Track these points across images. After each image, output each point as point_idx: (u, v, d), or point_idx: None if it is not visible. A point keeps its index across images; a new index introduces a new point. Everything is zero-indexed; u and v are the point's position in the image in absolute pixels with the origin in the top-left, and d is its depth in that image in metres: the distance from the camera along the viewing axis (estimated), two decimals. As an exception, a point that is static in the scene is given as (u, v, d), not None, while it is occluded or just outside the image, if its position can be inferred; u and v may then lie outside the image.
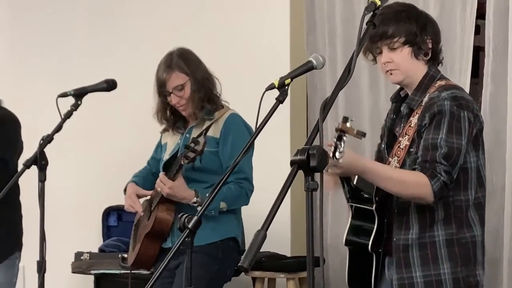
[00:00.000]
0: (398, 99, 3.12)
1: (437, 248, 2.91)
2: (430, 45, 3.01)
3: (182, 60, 3.77)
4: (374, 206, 2.95)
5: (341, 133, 2.66)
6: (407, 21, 2.97)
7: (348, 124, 2.67)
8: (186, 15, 5.42)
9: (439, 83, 2.98)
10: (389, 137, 3.09)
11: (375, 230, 2.96)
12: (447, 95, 2.89)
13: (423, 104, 2.94)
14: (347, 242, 3.06)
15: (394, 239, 2.96)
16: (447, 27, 4.40)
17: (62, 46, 5.72)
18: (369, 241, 2.96)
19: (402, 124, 3.03)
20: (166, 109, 3.86)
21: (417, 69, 3.00)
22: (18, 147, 3.96)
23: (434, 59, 3.04)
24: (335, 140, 2.65)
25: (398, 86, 3.15)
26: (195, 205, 3.60)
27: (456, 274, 2.91)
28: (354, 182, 2.99)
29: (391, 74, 3.01)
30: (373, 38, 2.95)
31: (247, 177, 3.74)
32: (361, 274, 3.03)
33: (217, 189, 2.50)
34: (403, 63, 2.98)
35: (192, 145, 3.48)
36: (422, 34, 2.98)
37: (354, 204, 3.03)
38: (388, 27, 2.95)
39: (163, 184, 3.62)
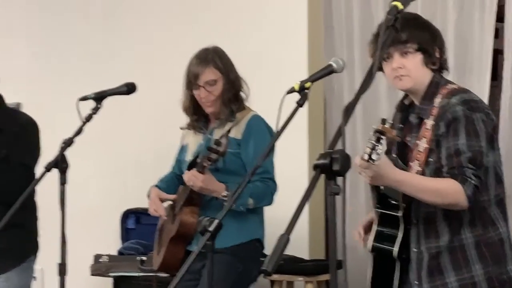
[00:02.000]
0: (403, 108, 3.13)
1: (466, 251, 2.93)
2: (438, 55, 3.04)
3: (218, 57, 3.79)
4: (400, 212, 2.96)
5: (379, 134, 2.63)
6: (419, 28, 3.01)
7: (386, 126, 2.67)
8: (204, 18, 5.42)
9: (444, 88, 2.99)
10: (400, 146, 3.09)
11: (401, 237, 2.97)
12: (457, 101, 2.90)
13: (433, 113, 2.95)
14: (373, 248, 3.07)
15: (423, 248, 2.98)
16: (466, 30, 4.40)
17: (80, 49, 5.74)
18: (394, 247, 2.97)
19: (413, 134, 3.03)
20: (191, 104, 3.86)
21: (424, 77, 3.01)
22: (37, 151, 3.98)
23: (440, 68, 3.06)
24: (372, 141, 2.63)
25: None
26: (225, 198, 3.59)
27: (488, 274, 2.93)
28: (382, 188, 2.98)
29: (400, 80, 3.00)
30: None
31: (271, 177, 3.76)
32: (384, 279, 3.04)
33: (244, 184, 2.51)
34: (414, 70, 2.99)
35: (215, 146, 3.49)
36: (433, 43, 3.02)
37: (380, 210, 3.04)
38: (401, 33, 2.93)
39: (195, 179, 3.61)
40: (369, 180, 2.84)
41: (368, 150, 2.62)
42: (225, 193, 3.62)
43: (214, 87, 3.77)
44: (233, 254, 3.66)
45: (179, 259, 3.79)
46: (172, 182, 3.97)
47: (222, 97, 3.77)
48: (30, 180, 3.77)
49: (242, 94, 3.86)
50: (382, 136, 2.63)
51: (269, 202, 3.79)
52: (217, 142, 3.50)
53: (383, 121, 2.69)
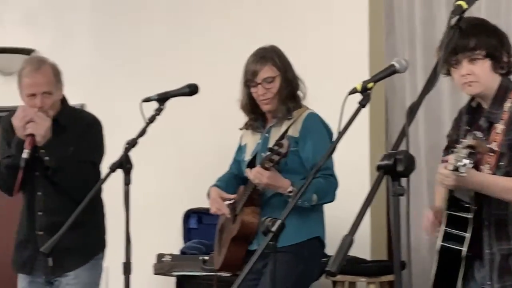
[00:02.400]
0: (470, 110, 3.15)
1: None
2: (506, 59, 3.05)
3: (276, 55, 3.82)
4: (471, 214, 3.00)
5: (471, 149, 2.70)
6: (487, 34, 3.04)
7: (479, 141, 2.71)
8: (264, 19, 5.43)
9: None
10: None
11: (469, 238, 3.00)
12: None
13: (504, 118, 2.98)
14: (442, 249, 3.07)
15: (495, 249, 3.01)
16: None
17: (144, 51, 5.79)
18: (463, 247, 3.01)
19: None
20: (249, 102, 3.88)
21: (493, 82, 3.05)
22: (103, 149, 4.05)
23: (508, 72, 3.08)
24: (462, 155, 2.68)
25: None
26: (290, 194, 3.60)
27: None
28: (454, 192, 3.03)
29: (469, 86, 3.04)
30: (453, 50, 2.97)
31: (333, 174, 3.76)
32: (447, 279, 3.05)
33: (309, 180, 2.52)
34: (483, 76, 3.02)
35: (276, 147, 3.50)
36: (501, 48, 3.04)
37: (451, 212, 3.06)
38: (469, 40, 2.99)
39: (261, 175, 3.62)
40: (450, 187, 2.90)
41: (456, 162, 2.67)
42: (290, 188, 3.63)
43: (272, 85, 3.79)
44: (295, 253, 3.66)
45: (240, 259, 3.82)
46: (230, 182, 4.00)
47: (279, 95, 3.78)
48: (97, 177, 3.86)
49: (299, 93, 3.86)
50: (473, 151, 2.68)
51: (332, 198, 3.79)
52: (279, 144, 3.50)
53: (474, 136, 2.73)
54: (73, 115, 4.06)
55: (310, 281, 3.83)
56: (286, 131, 3.68)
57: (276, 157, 3.50)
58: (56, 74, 3.96)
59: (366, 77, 2.73)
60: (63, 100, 4.02)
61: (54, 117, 3.93)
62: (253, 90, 3.82)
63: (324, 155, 2.57)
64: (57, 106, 3.96)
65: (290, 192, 3.62)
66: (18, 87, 3.95)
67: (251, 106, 3.88)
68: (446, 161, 2.85)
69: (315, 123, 3.79)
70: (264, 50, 3.84)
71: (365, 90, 2.63)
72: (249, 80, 3.81)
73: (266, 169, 3.60)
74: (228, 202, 3.90)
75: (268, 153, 3.54)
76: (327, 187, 3.71)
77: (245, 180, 3.89)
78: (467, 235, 3.00)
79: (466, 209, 3.01)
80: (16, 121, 3.85)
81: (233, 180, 4.00)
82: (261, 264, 3.67)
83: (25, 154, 3.79)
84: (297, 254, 3.68)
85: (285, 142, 3.48)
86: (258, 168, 3.65)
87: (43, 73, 3.90)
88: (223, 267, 3.89)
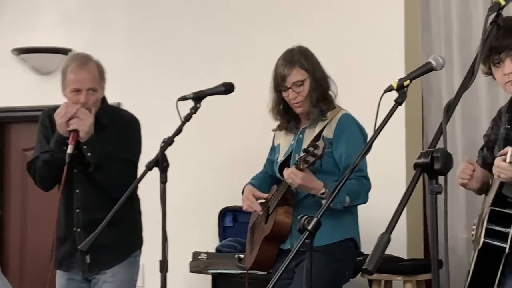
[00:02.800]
0: (511, 109, 3.16)
1: None
2: None
3: (304, 57, 3.80)
4: None
5: None
6: None
7: None
8: (299, 16, 5.43)
9: None
10: (506, 146, 3.07)
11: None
12: None
13: None
14: (484, 245, 3.06)
15: None
16: None
17: (179, 49, 5.82)
18: (506, 244, 3.01)
19: None
20: (280, 105, 3.89)
21: None
22: (140, 147, 4.09)
23: None
24: None
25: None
26: (323, 196, 3.59)
27: None
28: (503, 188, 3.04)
29: None
30: (496, 49, 2.96)
31: (365, 175, 3.74)
32: (485, 275, 3.03)
33: (342, 182, 2.51)
34: None
35: (311, 149, 3.49)
36: None
37: (494, 208, 3.06)
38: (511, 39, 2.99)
39: (294, 176, 3.62)
40: (507, 179, 2.91)
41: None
42: (323, 190, 3.62)
43: (302, 88, 3.78)
44: (327, 253, 3.64)
45: (272, 258, 3.82)
46: (264, 181, 4.00)
47: (310, 97, 3.77)
48: (135, 175, 3.88)
49: (330, 93, 3.85)
50: None
51: (364, 200, 3.77)
52: (314, 145, 3.49)
53: None
54: (112, 114, 4.09)
55: (342, 282, 3.82)
56: (321, 132, 3.66)
57: (311, 159, 3.48)
58: (100, 72, 3.99)
59: (402, 75, 2.72)
60: (103, 99, 4.05)
61: (94, 115, 3.96)
62: (284, 94, 3.82)
63: (357, 157, 2.56)
64: (98, 104, 4.00)
65: (323, 194, 3.61)
66: (61, 84, 3.97)
67: (284, 109, 3.88)
68: (502, 155, 2.86)
69: (349, 124, 3.78)
70: (291, 53, 3.82)
71: (401, 88, 2.61)
72: (279, 84, 3.81)
73: (301, 170, 3.60)
74: (260, 200, 3.90)
75: (303, 154, 3.53)
76: (359, 189, 3.69)
77: (277, 180, 3.89)
78: (510, 231, 2.99)
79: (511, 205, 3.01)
80: (59, 117, 3.88)
81: (268, 179, 4.01)
82: (294, 264, 3.67)
83: (69, 150, 3.83)
84: (330, 255, 3.67)
85: (320, 143, 3.46)
86: (292, 169, 3.65)
87: (88, 69, 3.93)
88: (255, 266, 3.89)
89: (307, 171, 3.62)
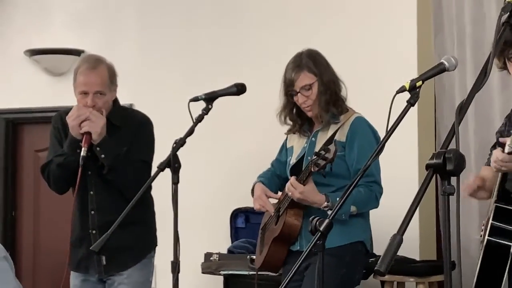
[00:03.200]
0: None
1: None
2: None
3: (311, 61, 3.79)
4: None
5: None
6: None
7: None
8: (311, 18, 5.43)
9: None
10: None
11: None
12: None
13: None
14: (488, 243, 3.04)
15: None
16: None
17: (189, 50, 5.82)
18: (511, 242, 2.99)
19: None
20: (292, 109, 3.88)
21: None
22: (153, 148, 4.08)
23: None
24: None
25: None
26: (326, 209, 3.59)
27: None
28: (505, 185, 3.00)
29: None
30: (511, 43, 2.93)
31: (376, 180, 3.71)
32: (492, 274, 3.01)
33: (347, 193, 2.50)
34: None
35: (323, 152, 3.47)
36: None
37: (499, 205, 3.03)
38: None
39: (294, 189, 3.63)
40: (507, 170, 2.89)
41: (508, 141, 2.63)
42: (325, 204, 3.62)
43: (310, 92, 3.77)
44: (336, 256, 3.61)
45: (281, 259, 3.82)
46: (272, 180, 4.00)
47: (319, 100, 3.76)
48: (148, 176, 3.87)
49: (341, 95, 3.83)
50: None
51: (374, 206, 3.76)
52: (326, 149, 3.48)
53: None
54: (125, 115, 4.09)
55: (351, 285, 3.79)
56: (334, 135, 3.65)
57: (322, 162, 3.47)
58: (111, 76, 3.97)
59: (415, 76, 2.71)
60: (115, 100, 4.05)
61: (106, 117, 3.96)
62: (294, 98, 3.82)
63: (369, 158, 2.54)
64: (109, 106, 3.99)
65: (325, 207, 3.61)
66: (73, 84, 3.98)
67: (296, 113, 3.88)
68: (502, 144, 2.83)
69: (362, 127, 3.76)
70: (299, 57, 3.81)
71: (413, 89, 2.60)
72: (288, 89, 3.81)
73: (304, 182, 3.59)
74: (272, 200, 3.90)
75: (315, 157, 3.52)
76: (367, 196, 3.68)
77: (286, 181, 3.87)
78: None
79: None
80: (71, 120, 3.88)
81: (275, 178, 4.01)
82: (304, 266, 3.65)
83: (83, 152, 3.83)
84: (339, 258, 3.65)
85: (332, 147, 3.45)
86: (293, 180, 3.65)
87: (98, 72, 3.92)
88: (264, 266, 3.89)
89: (311, 184, 3.62)
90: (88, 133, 3.85)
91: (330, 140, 3.59)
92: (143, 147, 4.02)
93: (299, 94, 3.78)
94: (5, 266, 4.17)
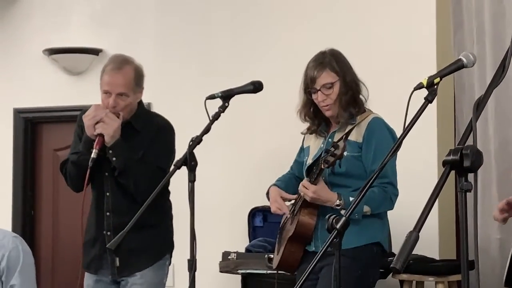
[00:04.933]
0: None
1: None
2: None
3: (334, 60, 3.77)
4: None
5: None
6: None
7: None
8: (329, 15, 5.41)
9: None
10: None
11: None
12: None
13: None
14: None
15: None
16: None
17: (208, 48, 5.81)
18: None
19: None
20: (310, 108, 3.86)
21: None
22: (172, 155, 4.02)
23: None
24: None
25: None
26: (338, 207, 3.58)
27: None
28: None
29: None
30: None
31: (391, 182, 3.68)
32: None
33: (363, 193, 2.48)
34: None
35: (332, 149, 3.47)
36: None
37: None
38: None
39: (306, 189, 3.63)
40: None
41: None
42: (337, 202, 3.60)
43: (331, 90, 3.74)
44: (352, 257, 3.58)
45: (297, 260, 3.80)
46: (290, 182, 3.98)
47: (339, 100, 3.74)
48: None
49: (361, 97, 3.81)
50: None
51: (388, 207, 3.73)
52: (335, 145, 3.47)
53: None
54: (147, 119, 4.05)
55: (367, 287, 3.76)
56: (347, 134, 3.62)
57: (331, 159, 3.46)
58: (137, 78, 3.94)
59: (434, 72, 2.68)
60: (139, 103, 4.03)
61: (128, 120, 3.93)
62: (313, 96, 3.79)
63: (386, 155, 2.52)
64: (133, 108, 3.97)
65: (337, 205, 3.59)
66: (100, 82, 3.96)
67: (314, 112, 3.85)
68: None
69: (379, 128, 3.74)
70: (322, 55, 3.79)
71: (431, 85, 2.57)
72: (309, 86, 3.79)
73: (315, 181, 3.59)
74: (289, 202, 3.88)
75: (325, 154, 3.51)
76: (381, 197, 3.65)
77: None
78: None
79: None
80: (87, 119, 3.88)
81: (293, 180, 3.98)
82: (319, 266, 3.62)
83: (93, 154, 3.82)
84: (355, 259, 3.62)
85: (341, 143, 3.44)
86: (305, 181, 3.65)
87: (123, 74, 3.89)
88: (280, 266, 3.87)
89: (321, 182, 3.61)
90: (101, 135, 3.84)
91: (342, 137, 3.57)
92: (160, 153, 3.97)
93: (319, 92, 3.75)
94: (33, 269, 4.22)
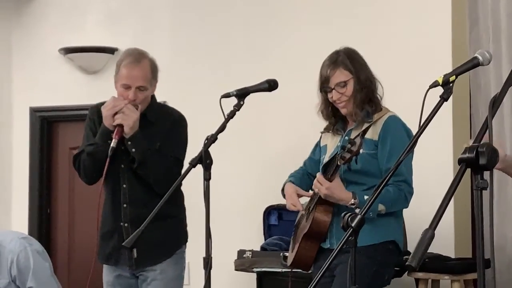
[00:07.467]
0: None
1: None
2: None
3: (348, 58, 3.78)
4: None
5: None
6: None
7: None
8: (343, 14, 5.40)
9: None
10: None
11: None
12: None
13: None
14: None
15: None
16: None
17: (221, 47, 5.82)
18: None
19: None
20: (327, 106, 3.87)
21: None
22: (186, 145, 4.10)
23: None
24: None
25: None
26: (353, 206, 3.57)
27: None
28: None
29: None
30: None
31: (406, 180, 3.68)
32: None
33: (378, 192, 2.47)
34: None
35: (349, 145, 3.47)
36: None
37: None
38: None
39: (320, 185, 3.63)
40: None
41: None
42: (352, 201, 3.60)
43: (345, 89, 3.75)
44: (367, 255, 3.58)
45: (311, 257, 3.80)
46: (303, 179, 3.99)
47: (354, 98, 3.74)
48: (180, 173, 3.89)
49: (377, 95, 3.81)
50: None
51: (403, 206, 3.73)
52: (351, 142, 3.47)
53: None
54: (160, 111, 4.10)
55: (381, 285, 3.76)
56: (364, 132, 3.62)
57: (347, 155, 3.46)
58: (153, 71, 3.99)
59: (450, 70, 2.68)
60: (152, 96, 4.07)
61: (143, 112, 3.97)
62: (328, 95, 3.80)
63: (401, 154, 2.52)
64: (148, 101, 4.01)
65: (352, 204, 3.59)
66: (114, 76, 3.99)
67: (331, 110, 3.86)
68: None
69: (395, 126, 3.74)
70: (336, 54, 3.81)
71: (446, 83, 2.57)
72: (323, 85, 3.80)
73: (330, 178, 3.58)
74: (304, 199, 3.88)
75: (341, 150, 3.51)
76: (396, 196, 3.65)
77: None
78: None
79: None
80: (106, 110, 3.91)
81: (306, 177, 4.00)
82: (334, 264, 3.61)
83: (113, 143, 3.85)
84: (370, 257, 3.61)
85: (357, 140, 3.44)
86: (320, 177, 3.65)
87: (141, 67, 3.93)
88: (295, 263, 3.87)
89: (337, 180, 3.61)
90: (121, 126, 3.87)
91: (359, 134, 3.57)
92: (176, 144, 4.03)
93: (333, 90, 3.77)
94: (46, 266, 4.23)
